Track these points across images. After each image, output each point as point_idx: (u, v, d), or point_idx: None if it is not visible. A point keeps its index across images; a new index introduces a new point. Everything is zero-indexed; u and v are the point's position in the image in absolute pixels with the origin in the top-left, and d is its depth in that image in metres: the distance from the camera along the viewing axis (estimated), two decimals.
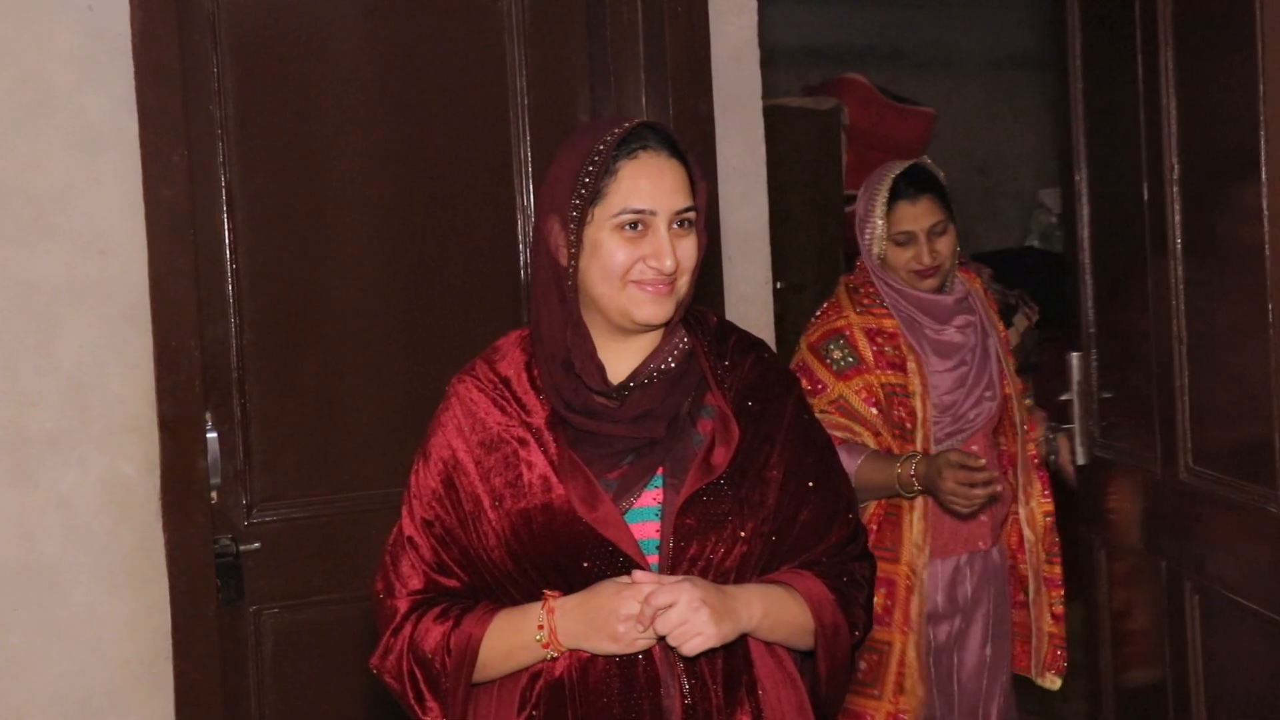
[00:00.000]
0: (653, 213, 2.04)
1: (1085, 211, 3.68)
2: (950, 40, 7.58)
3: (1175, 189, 3.16)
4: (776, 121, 4.74)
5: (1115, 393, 3.58)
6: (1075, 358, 3.69)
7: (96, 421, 3.07)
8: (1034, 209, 7.60)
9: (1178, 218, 3.16)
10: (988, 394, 3.34)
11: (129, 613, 3.10)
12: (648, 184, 2.04)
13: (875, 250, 3.34)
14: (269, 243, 3.36)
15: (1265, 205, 2.68)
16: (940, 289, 3.36)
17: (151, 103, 3.09)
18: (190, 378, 3.13)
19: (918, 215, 3.30)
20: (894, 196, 3.32)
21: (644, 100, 3.56)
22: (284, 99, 3.37)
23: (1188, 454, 3.18)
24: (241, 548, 3.29)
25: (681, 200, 2.06)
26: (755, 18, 3.68)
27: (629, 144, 2.04)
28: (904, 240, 3.31)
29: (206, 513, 3.18)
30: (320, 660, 3.39)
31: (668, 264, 2.03)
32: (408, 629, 2.09)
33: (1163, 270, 3.22)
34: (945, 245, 3.32)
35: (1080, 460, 3.68)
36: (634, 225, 2.03)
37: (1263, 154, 2.70)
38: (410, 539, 2.12)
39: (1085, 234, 3.69)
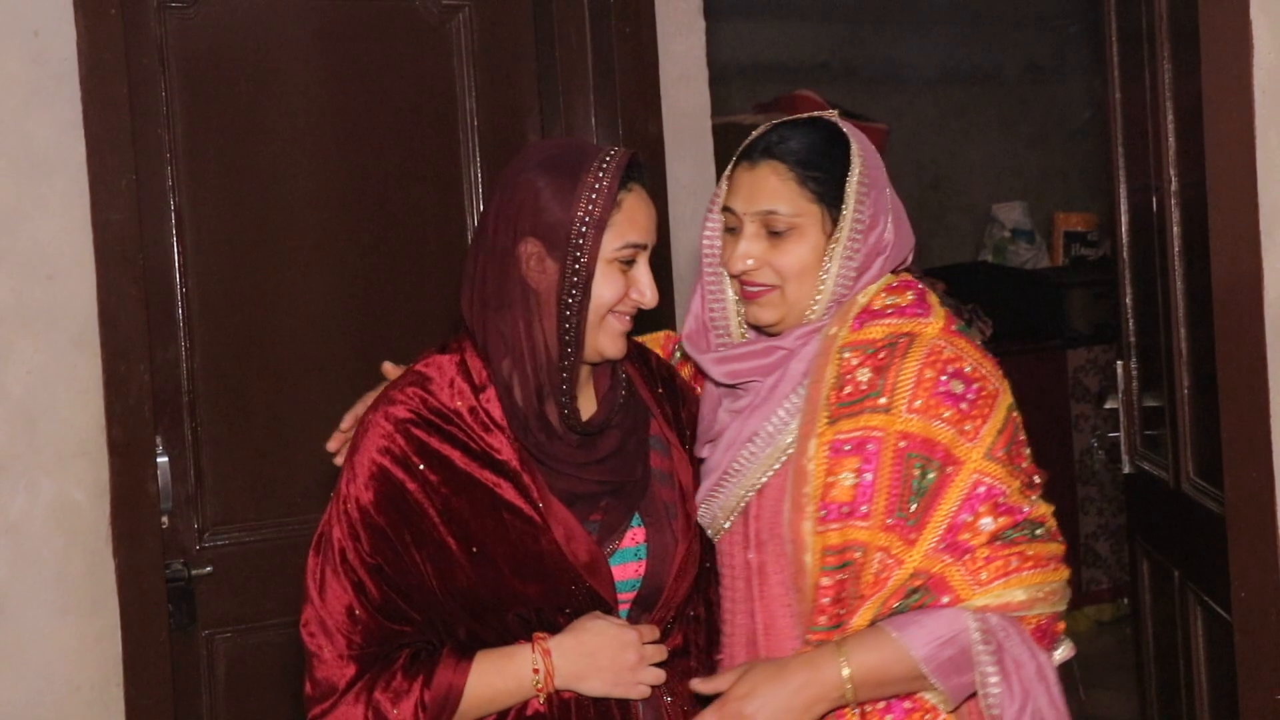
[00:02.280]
0: (645, 246, 2.02)
1: (1124, 220, 3.69)
2: (902, 56, 7.63)
3: (1173, 201, 3.19)
4: (729, 139, 4.75)
5: (1150, 402, 3.60)
6: (1119, 366, 3.70)
7: (45, 447, 3.06)
8: (987, 223, 7.65)
9: (1176, 230, 3.20)
10: None
11: (79, 638, 3.09)
12: (643, 218, 2.02)
13: (706, 241, 2.17)
14: (219, 266, 3.35)
15: (1210, 217, 2.71)
16: (767, 333, 2.13)
17: (99, 127, 3.08)
18: (140, 402, 3.12)
19: (751, 189, 2.07)
20: (740, 156, 2.13)
21: (593, 120, 3.57)
22: (233, 122, 3.37)
23: (1189, 466, 3.21)
24: (193, 572, 3.28)
25: (656, 234, 2.06)
26: (704, 38, 3.70)
27: (624, 175, 2.01)
28: (730, 227, 2.12)
29: (157, 537, 3.16)
30: (273, 684, 3.37)
31: (650, 298, 2.02)
32: (362, 692, 1.99)
33: (1165, 282, 3.26)
34: (786, 254, 2.06)
35: (1125, 469, 3.69)
36: (630, 260, 2.01)
37: (1208, 168, 2.74)
38: (357, 583, 2.01)
39: (1125, 243, 3.70)
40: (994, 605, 1.94)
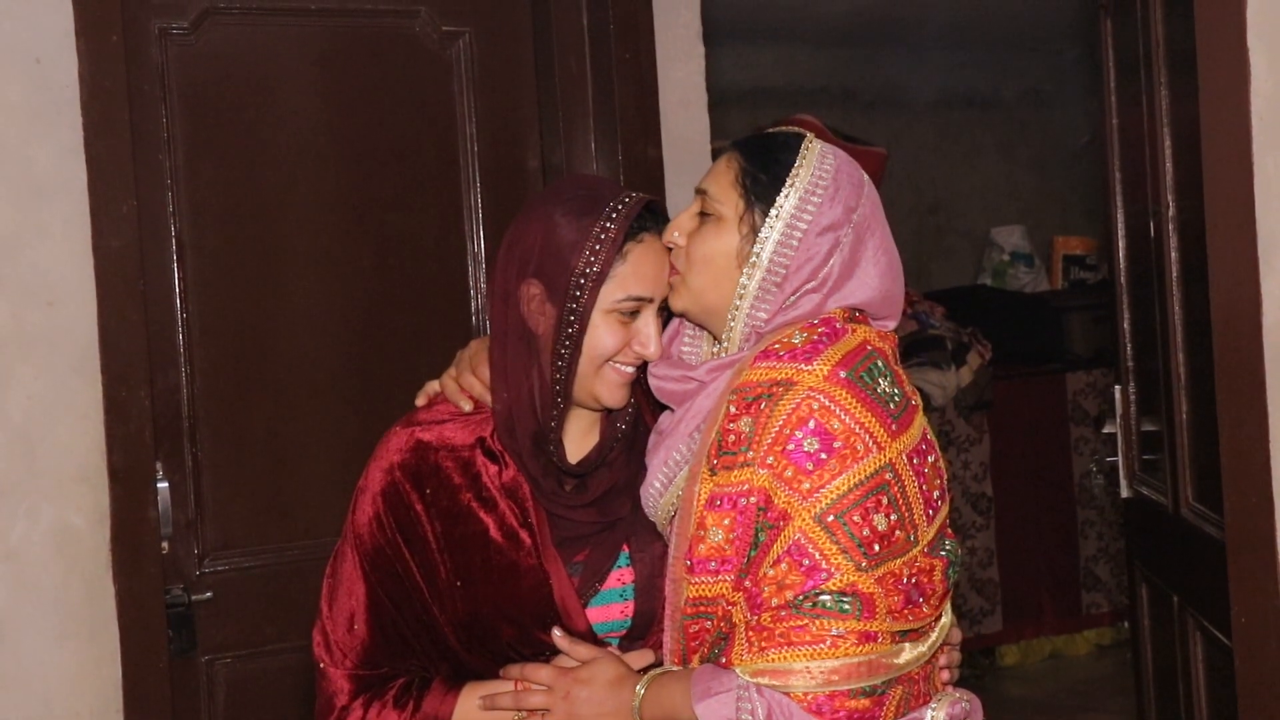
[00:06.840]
0: (651, 300, 1.98)
1: (1122, 246, 3.69)
2: (901, 80, 7.64)
3: (1171, 226, 3.20)
4: None
5: (1149, 427, 3.60)
6: (1117, 390, 3.70)
7: (45, 473, 3.06)
8: (986, 246, 7.66)
9: (1174, 255, 3.20)
10: None
11: (79, 665, 3.08)
12: (651, 271, 1.98)
13: None
14: (219, 292, 3.36)
15: (1208, 243, 2.71)
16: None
17: (100, 153, 3.09)
18: (140, 428, 3.12)
19: (709, 170, 2.10)
20: None
21: (593, 146, 3.58)
22: (234, 148, 3.38)
23: (1188, 490, 3.21)
24: (193, 597, 3.28)
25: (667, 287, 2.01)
26: (703, 64, 3.71)
27: (633, 224, 1.97)
28: None
29: (157, 563, 3.16)
30: (273, 710, 3.37)
31: (652, 351, 1.99)
32: (355, 714, 2.01)
33: (1164, 307, 3.26)
34: (698, 238, 2.00)
35: (1123, 493, 3.69)
36: (634, 311, 1.97)
37: (1205, 191, 2.74)
38: (360, 599, 2.03)
39: (1122, 267, 3.70)
40: (766, 673, 1.84)
